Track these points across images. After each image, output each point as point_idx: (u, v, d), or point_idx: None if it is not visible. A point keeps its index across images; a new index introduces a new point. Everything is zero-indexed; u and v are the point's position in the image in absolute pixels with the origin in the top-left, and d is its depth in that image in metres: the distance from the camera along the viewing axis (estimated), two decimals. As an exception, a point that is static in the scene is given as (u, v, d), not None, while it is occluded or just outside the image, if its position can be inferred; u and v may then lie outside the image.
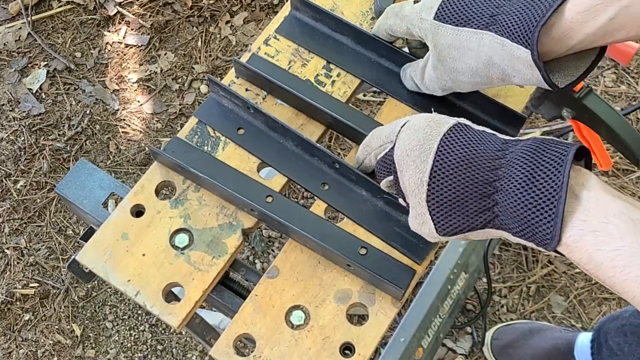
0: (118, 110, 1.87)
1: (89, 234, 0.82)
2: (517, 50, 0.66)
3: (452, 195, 0.60)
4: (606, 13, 0.63)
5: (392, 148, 0.67)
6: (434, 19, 0.72)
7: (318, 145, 0.81)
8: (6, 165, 1.81)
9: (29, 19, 1.99)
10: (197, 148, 0.84)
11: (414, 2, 0.78)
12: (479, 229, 0.61)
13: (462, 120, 0.65)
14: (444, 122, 0.63)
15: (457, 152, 0.60)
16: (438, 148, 0.61)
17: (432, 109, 0.74)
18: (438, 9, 0.73)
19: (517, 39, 0.66)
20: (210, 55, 1.93)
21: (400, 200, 0.69)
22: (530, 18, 0.65)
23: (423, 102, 0.86)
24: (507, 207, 0.57)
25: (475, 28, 0.69)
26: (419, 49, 0.85)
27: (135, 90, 1.90)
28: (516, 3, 0.68)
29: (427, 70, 0.78)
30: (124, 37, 1.97)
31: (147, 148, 1.82)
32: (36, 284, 1.68)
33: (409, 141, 0.64)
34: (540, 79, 0.67)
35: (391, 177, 0.68)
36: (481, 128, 0.63)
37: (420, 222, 0.64)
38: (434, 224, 0.63)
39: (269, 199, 0.80)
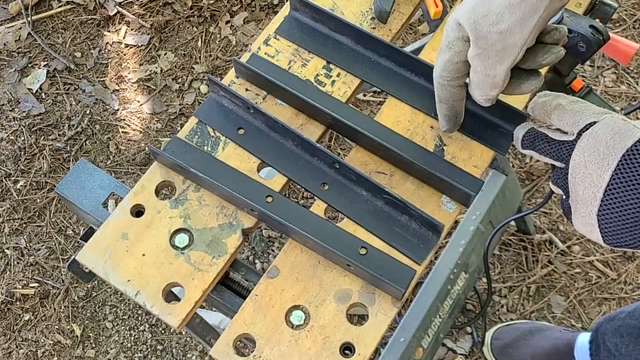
0: (118, 110, 1.87)
1: (89, 234, 0.82)
2: None
3: (625, 215, 0.59)
4: None
5: (572, 143, 0.64)
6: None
7: (318, 145, 0.80)
8: (6, 165, 1.81)
9: (29, 19, 1.99)
10: (197, 148, 0.84)
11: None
12: None
13: None
14: (629, 135, 0.59)
15: (637, 173, 0.58)
16: (617, 166, 0.58)
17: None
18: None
19: None
20: (210, 55, 1.93)
21: (554, 187, 0.67)
22: None
23: (423, 102, 0.86)
24: None
25: None
26: None
27: (135, 90, 1.90)
28: None
29: (476, 61, 0.69)
30: (124, 37, 1.97)
31: (147, 148, 1.82)
32: (36, 284, 1.68)
33: (589, 152, 0.61)
34: None
35: (560, 165, 0.66)
36: None
37: (588, 229, 0.63)
38: (602, 236, 0.62)
39: (269, 199, 0.80)
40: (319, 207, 0.80)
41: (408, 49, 1.26)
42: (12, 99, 1.90)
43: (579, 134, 0.63)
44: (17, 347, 1.63)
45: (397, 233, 0.78)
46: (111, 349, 1.62)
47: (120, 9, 2.00)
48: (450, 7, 0.96)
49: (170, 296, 0.79)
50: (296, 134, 0.81)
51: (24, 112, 1.88)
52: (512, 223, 1.64)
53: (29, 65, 1.95)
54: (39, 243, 1.72)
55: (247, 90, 0.88)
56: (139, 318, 1.64)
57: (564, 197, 0.66)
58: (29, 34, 1.99)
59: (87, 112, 1.87)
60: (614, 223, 0.60)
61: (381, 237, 0.78)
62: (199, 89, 1.89)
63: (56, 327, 1.64)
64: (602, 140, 0.60)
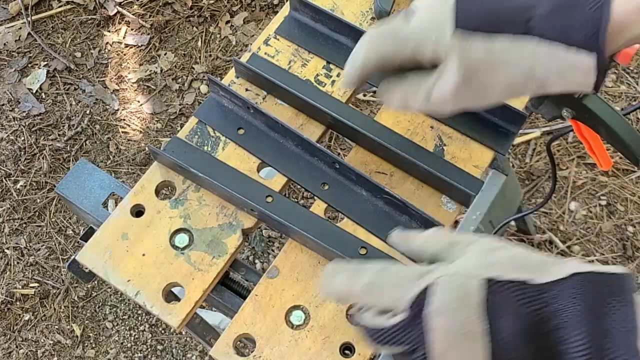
0: (118, 110, 1.88)
1: (89, 234, 0.82)
2: (574, 58, 0.54)
3: None
4: None
5: (411, 322, 0.50)
6: (456, 27, 0.57)
7: (318, 145, 0.81)
8: (6, 165, 1.81)
9: (29, 19, 1.99)
10: (197, 148, 0.84)
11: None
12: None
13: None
14: (475, 288, 0.49)
15: (513, 322, 0.47)
16: (491, 327, 0.47)
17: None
18: (457, 15, 0.57)
19: (575, 41, 0.54)
20: (210, 55, 1.93)
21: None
22: (585, 13, 0.53)
23: (423, 102, 0.85)
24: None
25: (512, 33, 0.55)
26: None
27: (135, 90, 1.90)
28: None
29: (440, 91, 0.60)
30: (124, 37, 1.98)
31: (147, 148, 1.82)
32: (36, 284, 1.68)
33: (451, 334, 0.48)
34: (590, 83, 0.56)
35: (399, 349, 0.51)
36: None
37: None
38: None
39: (269, 199, 0.80)
40: (319, 207, 0.80)
41: (408, 49, 1.26)
42: (12, 99, 1.90)
43: (416, 309, 0.49)
44: (17, 347, 1.63)
45: (397, 233, 0.78)
46: (111, 349, 1.62)
47: (120, 9, 2.00)
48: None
49: (170, 296, 0.79)
50: (296, 134, 0.81)
51: (24, 112, 1.88)
52: (512, 223, 1.64)
53: (29, 65, 1.95)
54: (39, 243, 1.72)
55: (247, 90, 0.88)
56: (139, 318, 1.64)
57: None
58: (29, 34, 1.99)
59: (87, 112, 1.87)
60: None
61: (381, 237, 0.78)
62: (199, 89, 1.89)
63: (56, 327, 1.64)
64: (456, 313, 0.48)
